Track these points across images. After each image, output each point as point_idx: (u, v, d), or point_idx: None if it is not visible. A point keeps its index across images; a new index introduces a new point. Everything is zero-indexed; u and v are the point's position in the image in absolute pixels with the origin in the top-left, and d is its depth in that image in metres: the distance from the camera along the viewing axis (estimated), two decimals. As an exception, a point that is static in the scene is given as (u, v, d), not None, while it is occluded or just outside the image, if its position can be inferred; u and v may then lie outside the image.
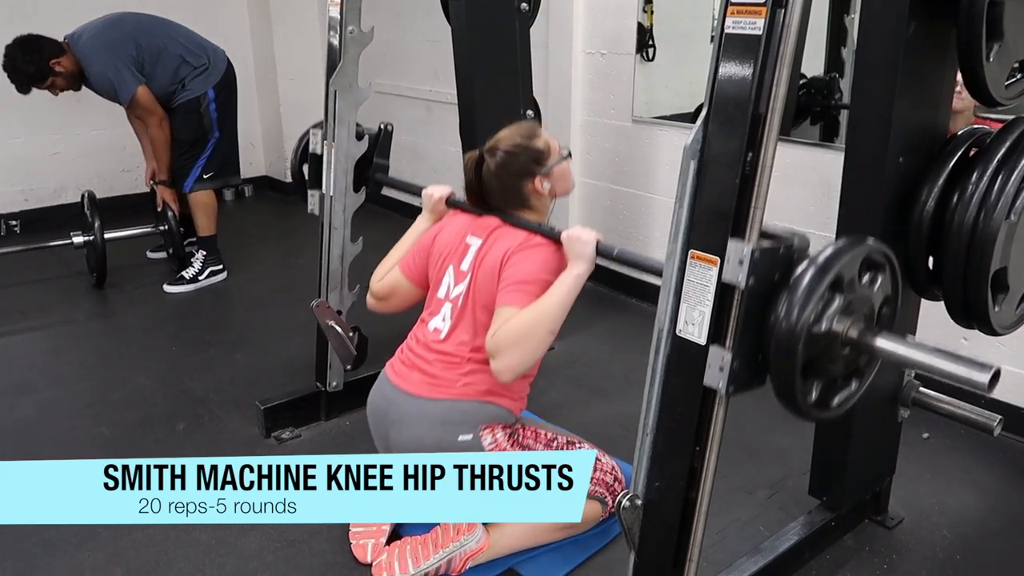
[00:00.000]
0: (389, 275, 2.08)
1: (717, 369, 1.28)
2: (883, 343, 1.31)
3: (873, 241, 1.32)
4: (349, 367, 2.50)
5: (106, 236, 3.71)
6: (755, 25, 1.20)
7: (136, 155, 5.12)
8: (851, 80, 1.70)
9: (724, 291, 1.27)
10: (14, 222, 4.70)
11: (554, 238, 1.82)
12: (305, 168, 2.56)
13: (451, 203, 2.11)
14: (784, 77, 1.20)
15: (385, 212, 4.42)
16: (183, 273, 3.81)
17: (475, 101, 2.65)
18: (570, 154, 1.99)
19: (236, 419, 2.61)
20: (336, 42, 2.34)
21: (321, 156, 2.43)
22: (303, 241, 4.16)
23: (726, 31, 1.24)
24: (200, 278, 3.83)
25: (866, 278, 1.33)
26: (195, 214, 3.84)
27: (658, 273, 1.41)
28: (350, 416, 2.62)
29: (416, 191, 2.23)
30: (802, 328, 1.22)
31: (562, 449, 1.91)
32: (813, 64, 3.12)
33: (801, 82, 3.09)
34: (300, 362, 2.79)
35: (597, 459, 1.94)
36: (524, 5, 2.65)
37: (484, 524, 1.89)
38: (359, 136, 2.44)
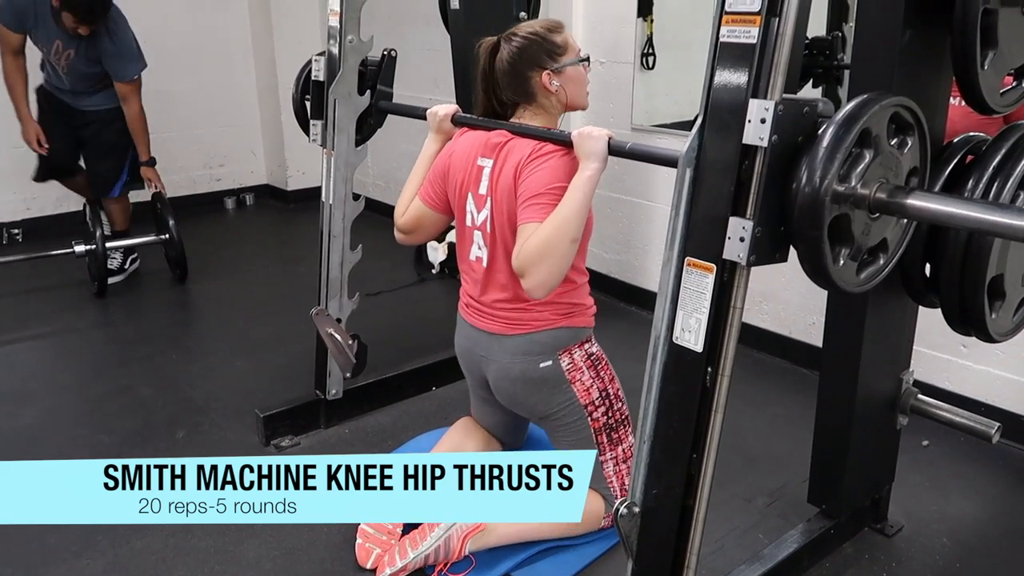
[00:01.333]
0: (411, 207, 2.04)
1: (738, 240, 1.23)
2: (916, 202, 1.25)
3: (901, 96, 1.26)
4: (348, 375, 2.51)
5: (107, 245, 3.73)
6: (749, 34, 1.21)
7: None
8: (848, 93, 1.70)
9: (745, 153, 1.22)
10: (16, 231, 4.73)
11: (564, 141, 1.76)
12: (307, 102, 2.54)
13: (457, 120, 2.04)
14: (779, 85, 1.20)
15: (384, 220, 4.43)
16: (111, 267, 3.91)
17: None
18: (588, 58, 1.93)
19: (236, 427, 2.61)
20: (336, 51, 2.35)
21: (323, 83, 2.40)
22: (303, 249, 4.17)
23: (721, 39, 1.25)
24: (126, 267, 4.05)
25: (895, 140, 1.27)
26: (117, 214, 3.96)
27: (670, 162, 1.37)
28: (349, 424, 2.62)
29: (420, 114, 2.19)
30: (829, 184, 1.16)
31: (622, 412, 1.99)
32: (815, 25, 3.02)
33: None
34: (299, 370, 2.79)
35: (630, 455, 1.97)
36: (523, 14, 2.66)
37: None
38: (365, 66, 2.41)
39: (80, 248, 3.79)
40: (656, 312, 1.36)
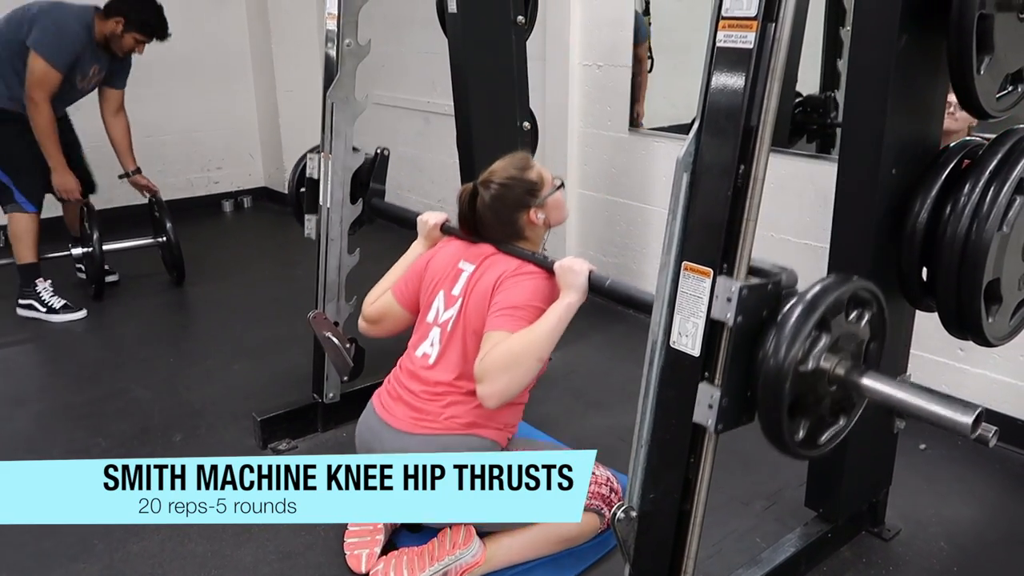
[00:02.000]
0: (381, 299, 2.09)
1: (707, 407, 1.30)
2: (869, 382, 1.32)
3: (859, 279, 1.33)
4: (346, 378, 2.50)
5: (104, 248, 3.72)
6: (746, 39, 1.21)
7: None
8: (845, 98, 1.71)
9: (714, 326, 1.29)
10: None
11: (547, 267, 1.83)
12: (303, 194, 2.56)
13: (446, 230, 2.12)
14: (775, 90, 1.21)
15: (382, 224, 4.43)
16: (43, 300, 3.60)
17: (472, 113, 2.66)
18: (563, 184, 2.00)
19: (233, 430, 2.60)
20: (333, 54, 2.35)
21: (317, 180, 2.44)
22: (300, 253, 4.16)
23: (717, 44, 1.25)
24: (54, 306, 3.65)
25: (853, 315, 1.34)
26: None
27: (647, 308, 1.42)
28: (346, 427, 2.62)
29: (411, 219, 2.23)
30: (789, 366, 1.23)
31: None
32: (809, 81, 3.14)
33: (797, 100, 3.10)
34: (297, 373, 2.79)
35: (591, 472, 1.94)
36: (520, 18, 2.67)
37: (481, 537, 1.89)
38: (356, 173, 2.45)
39: (77, 251, 3.80)
40: (653, 316, 1.36)
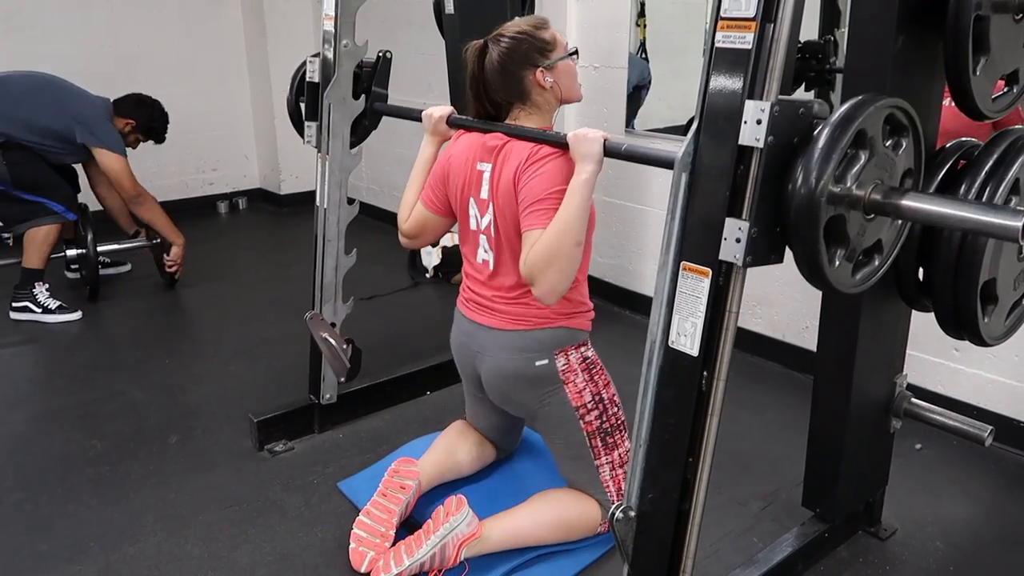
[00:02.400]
0: (415, 212, 2.05)
1: (733, 240, 1.24)
2: (910, 203, 1.26)
3: (895, 98, 1.27)
4: (343, 379, 2.50)
5: (99, 249, 3.71)
6: (745, 39, 1.22)
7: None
8: (841, 99, 1.70)
9: (742, 154, 1.23)
10: (7, 235, 4.69)
11: (560, 143, 1.75)
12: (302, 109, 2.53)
13: (452, 122, 2.04)
14: (774, 90, 1.21)
15: (379, 224, 4.43)
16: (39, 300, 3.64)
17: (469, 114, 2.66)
18: (577, 52, 1.92)
19: (229, 432, 2.60)
20: (331, 55, 2.35)
21: (317, 84, 2.40)
22: (297, 253, 4.16)
23: (716, 45, 1.25)
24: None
25: (890, 142, 1.28)
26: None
27: (667, 164, 1.37)
28: (344, 428, 2.62)
29: (415, 116, 2.18)
30: (825, 186, 1.17)
31: (616, 417, 1.97)
32: (808, 25, 3.02)
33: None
34: (294, 374, 2.78)
35: (626, 460, 1.96)
36: (517, 19, 2.67)
37: (481, 519, 1.90)
38: (360, 68, 2.41)
39: (72, 252, 3.79)
40: (652, 316, 1.37)
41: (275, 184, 5.61)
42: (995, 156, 1.48)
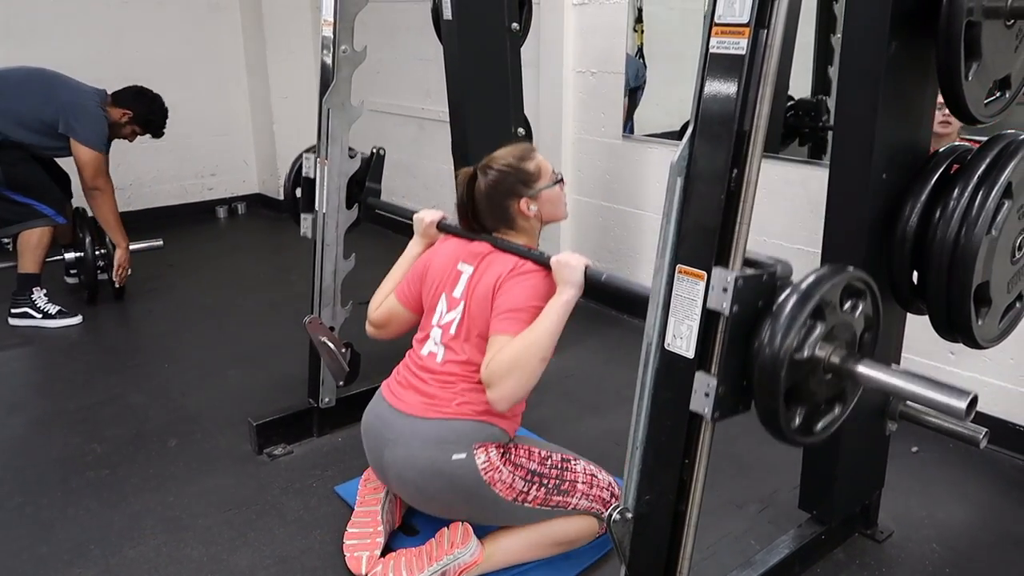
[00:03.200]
0: (385, 303, 2.10)
1: (703, 395, 1.30)
2: (864, 370, 1.33)
3: (853, 269, 1.35)
4: (342, 383, 2.51)
5: (97, 252, 3.72)
6: (739, 45, 1.23)
7: (128, 172, 5.16)
8: (836, 103, 1.72)
9: (709, 317, 1.29)
10: (7, 239, 4.70)
11: (543, 263, 1.83)
12: (298, 192, 2.57)
13: (442, 227, 2.13)
14: (768, 95, 1.22)
15: (378, 229, 4.44)
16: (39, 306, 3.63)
17: (467, 119, 2.68)
18: (562, 179, 2.00)
19: (228, 436, 2.60)
20: (329, 61, 2.36)
21: (314, 180, 2.45)
22: (296, 258, 4.17)
23: (710, 51, 1.26)
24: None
25: (847, 305, 1.35)
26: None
27: (643, 302, 1.42)
28: (343, 432, 2.62)
29: (408, 215, 2.25)
30: (785, 354, 1.24)
31: (556, 467, 1.91)
32: (801, 85, 3.17)
33: (789, 104, 3.13)
34: (292, 378, 2.79)
35: (593, 475, 1.95)
36: (515, 25, 2.69)
37: (480, 538, 1.90)
38: (351, 156, 2.46)
39: (70, 255, 3.79)
40: (648, 319, 1.38)
41: (274, 189, 5.62)
42: (988, 160, 1.50)
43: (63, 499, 2.27)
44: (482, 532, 1.92)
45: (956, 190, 1.51)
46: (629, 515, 1.44)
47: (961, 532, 2.14)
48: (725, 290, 1.25)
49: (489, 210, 1.95)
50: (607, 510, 1.90)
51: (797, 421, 1.34)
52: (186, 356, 3.29)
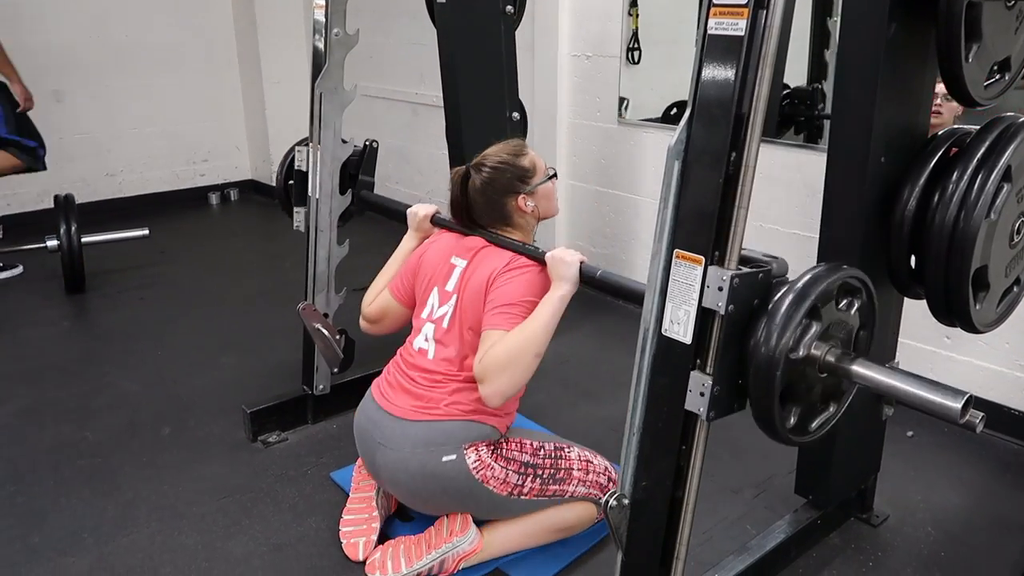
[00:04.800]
0: (379, 298, 2.09)
1: (698, 394, 1.30)
2: (859, 369, 1.33)
3: (848, 268, 1.34)
4: (336, 370, 2.50)
5: (84, 240, 3.69)
6: (737, 26, 1.21)
7: (120, 159, 5.12)
8: (834, 87, 1.71)
9: (705, 315, 1.29)
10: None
11: (538, 259, 1.82)
12: (291, 187, 2.55)
13: (436, 221, 2.11)
14: (767, 77, 1.21)
15: (371, 215, 4.41)
16: None
17: (461, 104, 2.65)
18: (555, 174, 2.00)
19: (222, 423, 2.59)
20: (321, 45, 2.34)
21: (306, 173, 2.43)
22: (289, 244, 4.12)
23: (709, 32, 1.24)
24: None
25: (843, 303, 1.35)
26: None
27: (638, 298, 1.42)
28: (337, 419, 2.62)
29: (401, 210, 2.23)
30: (780, 354, 1.24)
31: (549, 456, 1.90)
32: (796, 72, 3.15)
33: (785, 92, 3.12)
34: (286, 365, 2.78)
35: (589, 461, 1.94)
36: (509, 8, 2.65)
37: (478, 526, 1.89)
38: (346, 164, 2.44)
39: (52, 243, 3.76)
40: (645, 304, 1.36)
41: (267, 175, 5.58)
42: (987, 143, 1.49)
43: (55, 488, 2.26)
44: (480, 521, 1.92)
45: (955, 174, 1.50)
46: (626, 501, 1.43)
47: (956, 516, 2.15)
48: (720, 289, 1.25)
49: (485, 208, 1.93)
50: (604, 495, 1.92)
51: (792, 420, 1.35)
52: (179, 343, 3.27)
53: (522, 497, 1.85)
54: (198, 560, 1.96)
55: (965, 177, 1.48)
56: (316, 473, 2.32)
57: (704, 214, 1.28)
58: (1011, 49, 1.56)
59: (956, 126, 1.63)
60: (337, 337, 2.44)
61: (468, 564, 1.87)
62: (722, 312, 1.26)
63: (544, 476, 1.87)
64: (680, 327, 1.32)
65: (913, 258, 1.63)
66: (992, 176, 1.46)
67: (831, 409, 1.41)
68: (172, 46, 5.16)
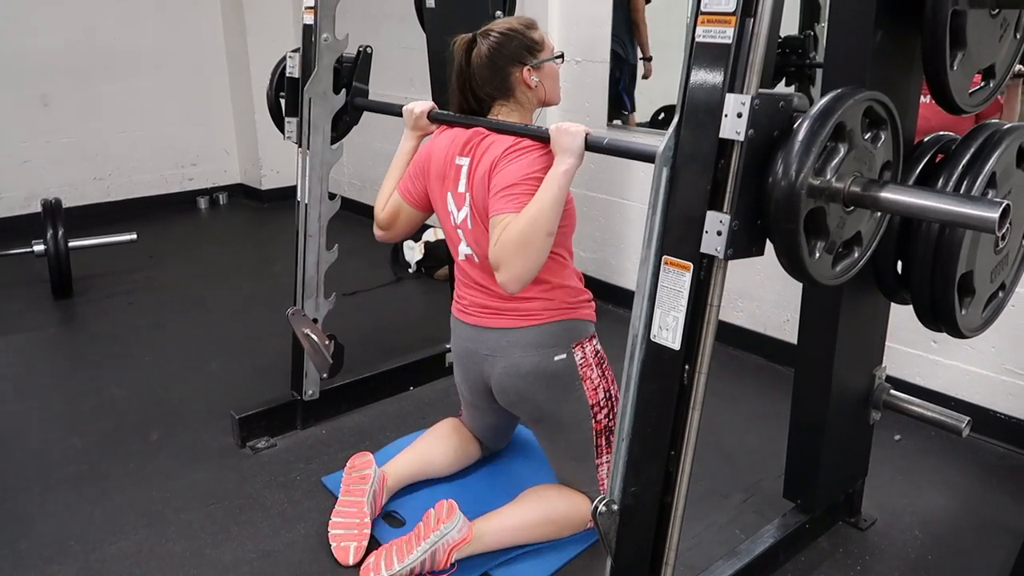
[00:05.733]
0: (390, 202, 2.04)
1: (715, 233, 1.24)
2: (889, 195, 1.27)
3: (873, 91, 1.29)
4: (325, 375, 2.49)
5: (71, 244, 3.67)
6: (725, 34, 1.22)
7: (108, 162, 5.09)
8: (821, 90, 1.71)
9: (722, 148, 1.24)
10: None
11: (541, 137, 1.74)
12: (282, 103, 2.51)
13: (434, 117, 2.03)
14: (754, 84, 1.21)
15: (360, 219, 4.41)
16: None
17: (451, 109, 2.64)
18: (562, 56, 1.94)
19: (211, 429, 2.58)
20: (311, 49, 2.33)
21: (297, 80, 2.38)
22: (278, 249, 4.14)
23: (697, 39, 1.25)
24: None
25: (869, 135, 1.30)
26: None
27: (648, 157, 1.37)
28: (326, 424, 2.61)
29: (396, 110, 2.18)
30: (804, 178, 1.18)
31: (616, 404, 1.86)
32: (787, 20, 2.99)
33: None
34: (275, 371, 2.77)
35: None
36: (499, 13, 2.65)
37: (471, 520, 1.90)
38: (340, 63, 2.39)
39: (39, 247, 3.73)
40: (634, 310, 1.37)
41: (256, 179, 5.57)
42: (972, 150, 1.50)
43: (42, 495, 2.24)
44: (472, 515, 1.92)
45: (941, 180, 1.51)
46: (615, 507, 1.43)
47: (943, 519, 2.16)
48: (740, 115, 1.20)
49: (488, 77, 1.85)
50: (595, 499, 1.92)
51: (817, 255, 1.30)
52: (167, 348, 3.25)
53: (592, 421, 1.91)
54: (186, 567, 1.95)
55: (951, 183, 1.49)
56: (305, 479, 2.31)
57: (693, 220, 1.28)
58: (995, 57, 1.57)
59: (942, 132, 1.64)
60: (326, 343, 2.43)
61: (461, 555, 1.86)
62: (741, 139, 1.20)
63: (609, 424, 1.94)
64: (669, 333, 1.32)
65: (899, 264, 1.64)
66: (977, 182, 1.46)
67: (855, 254, 1.39)
68: (161, 50, 5.14)
